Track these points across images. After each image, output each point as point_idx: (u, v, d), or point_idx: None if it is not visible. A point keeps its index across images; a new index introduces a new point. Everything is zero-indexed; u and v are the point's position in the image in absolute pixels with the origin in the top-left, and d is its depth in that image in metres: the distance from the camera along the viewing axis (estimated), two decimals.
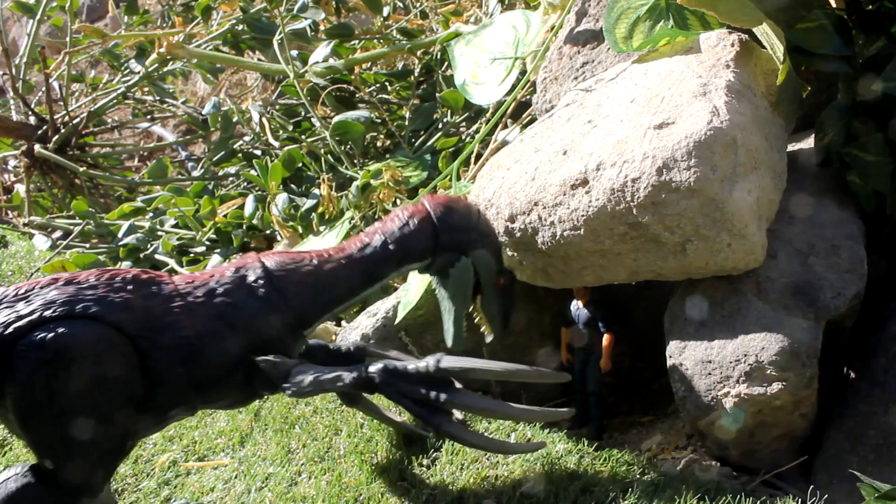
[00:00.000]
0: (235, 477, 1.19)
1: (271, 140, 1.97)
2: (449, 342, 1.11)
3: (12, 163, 2.89)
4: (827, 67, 1.14)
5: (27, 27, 2.76)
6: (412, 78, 1.97)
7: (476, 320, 1.15)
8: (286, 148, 1.80)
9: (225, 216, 1.82)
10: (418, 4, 2.07)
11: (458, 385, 1.01)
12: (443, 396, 0.95)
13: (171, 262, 1.79)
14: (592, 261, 1.12)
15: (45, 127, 2.43)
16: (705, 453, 1.16)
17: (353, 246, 1.05)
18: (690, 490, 1.01)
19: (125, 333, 0.92)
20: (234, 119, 2.10)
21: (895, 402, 1.05)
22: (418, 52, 1.95)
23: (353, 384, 0.97)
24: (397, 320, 1.31)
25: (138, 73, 2.36)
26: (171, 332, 0.94)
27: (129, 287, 0.95)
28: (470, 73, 1.53)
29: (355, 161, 1.83)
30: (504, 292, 1.12)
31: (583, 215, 1.07)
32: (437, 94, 1.83)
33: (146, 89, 2.53)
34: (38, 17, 2.54)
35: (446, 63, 1.89)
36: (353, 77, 1.95)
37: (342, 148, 1.76)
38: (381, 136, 2.01)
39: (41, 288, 0.93)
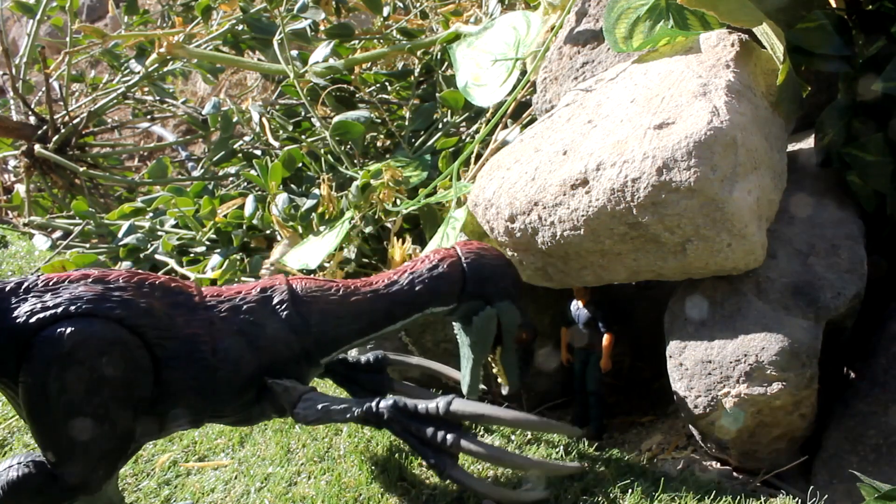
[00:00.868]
0: (235, 477, 1.19)
1: (271, 140, 1.97)
2: (465, 389, 1.11)
3: (12, 163, 2.89)
4: (827, 67, 1.14)
5: (27, 27, 2.76)
6: (412, 78, 1.97)
7: (494, 370, 1.15)
8: (286, 148, 1.80)
9: (225, 216, 1.82)
10: (418, 4, 2.07)
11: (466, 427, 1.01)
12: (449, 439, 0.95)
13: (171, 262, 1.78)
14: (592, 261, 1.12)
15: (45, 127, 2.43)
16: (705, 453, 1.16)
17: (381, 282, 1.06)
18: (690, 490, 1.01)
19: (144, 339, 0.93)
20: (234, 119, 2.10)
21: (895, 402, 1.05)
22: (418, 52, 1.95)
23: (361, 418, 0.97)
24: None
25: (138, 73, 2.36)
26: (188, 343, 0.95)
27: (157, 293, 0.96)
28: (472, 74, 1.53)
29: (355, 161, 1.83)
30: (525, 346, 1.12)
31: (583, 215, 1.07)
32: (437, 94, 1.83)
33: (146, 89, 2.53)
34: (38, 17, 2.55)
35: (446, 63, 1.89)
36: (353, 77, 1.95)
37: (342, 148, 1.76)
38: (381, 136, 2.01)
39: (70, 282, 0.93)
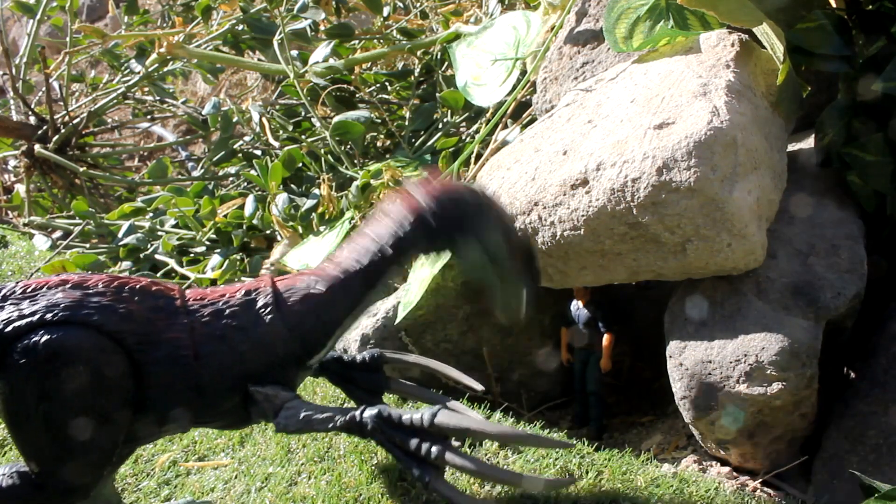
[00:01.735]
0: (235, 477, 1.19)
1: (271, 140, 1.97)
2: (500, 317, 1.04)
3: (12, 163, 2.89)
4: (827, 67, 1.14)
5: (27, 27, 2.76)
6: (412, 78, 1.97)
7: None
8: (286, 148, 1.80)
9: (225, 216, 1.82)
10: (418, 4, 2.07)
11: (453, 440, 0.98)
12: (434, 451, 0.91)
13: (171, 263, 1.78)
14: (592, 261, 1.12)
15: (45, 127, 2.43)
16: (705, 453, 1.16)
17: (348, 257, 1.01)
18: (690, 490, 1.01)
19: (123, 345, 0.90)
20: (234, 119, 2.10)
21: (895, 402, 1.05)
22: (418, 52, 1.95)
23: (344, 427, 0.94)
24: (397, 320, 1.31)
25: (138, 73, 2.36)
26: (169, 348, 0.92)
27: (137, 298, 0.94)
28: (471, 74, 1.53)
29: (355, 161, 1.83)
30: (525, 258, 1.02)
31: (583, 215, 1.07)
32: (437, 94, 1.83)
33: (146, 89, 2.53)
34: (38, 17, 2.55)
35: (446, 63, 1.89)
36: (353, 77, 1.95)
37: (342, 148, 1.76)
38: (381, 136, 2.01)
39: (48, 289, 0.91)
